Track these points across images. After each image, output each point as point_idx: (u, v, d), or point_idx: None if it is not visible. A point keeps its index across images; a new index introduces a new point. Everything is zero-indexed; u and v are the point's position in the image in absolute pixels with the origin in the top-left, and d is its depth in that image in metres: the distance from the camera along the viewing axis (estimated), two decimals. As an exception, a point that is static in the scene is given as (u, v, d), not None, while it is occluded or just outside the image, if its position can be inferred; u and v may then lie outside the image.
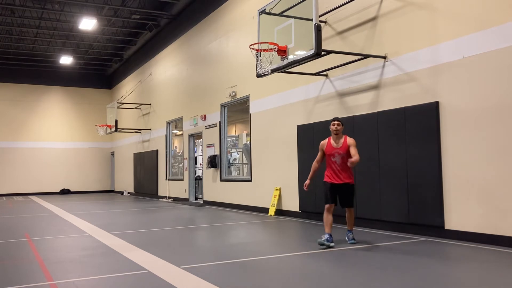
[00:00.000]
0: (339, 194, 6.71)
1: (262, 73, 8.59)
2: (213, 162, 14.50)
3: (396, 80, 8.07)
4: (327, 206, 6.66)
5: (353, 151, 6.57)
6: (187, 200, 16.95)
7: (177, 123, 18.74)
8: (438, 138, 7.22)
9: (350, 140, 6.68)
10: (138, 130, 22.30)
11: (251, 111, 12.70)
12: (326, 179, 6.78)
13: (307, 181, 6.84)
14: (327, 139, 6.83)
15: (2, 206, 17.11)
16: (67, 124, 26.68)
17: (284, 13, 8.58)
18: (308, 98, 10.28)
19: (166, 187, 19.08)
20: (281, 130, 11.21)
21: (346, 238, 6.88)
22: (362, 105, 8.76)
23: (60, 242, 7.94)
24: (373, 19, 8.54)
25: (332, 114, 9.40)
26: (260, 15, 9.14)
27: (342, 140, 6.68)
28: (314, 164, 6.95)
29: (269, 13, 8.84)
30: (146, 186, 21.35)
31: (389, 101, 8.17)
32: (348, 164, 6.46)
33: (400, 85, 7.98)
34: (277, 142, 11.40)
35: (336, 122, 6.71)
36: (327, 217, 6.60)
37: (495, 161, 6.44)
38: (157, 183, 20.14)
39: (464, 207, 6.85)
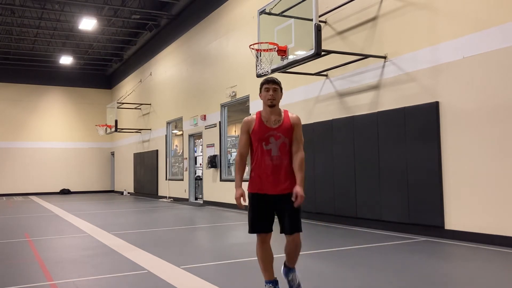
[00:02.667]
0: (277, 211, 3.84)
1: (262, 73, 8.59)
2: (213, 162, 14.50)
3: (396, 80, 8.07)
4: (258, 237, 3.85)
5: (296, 144, 3.87)
6: (187, 200, 16.94)
7: (177, 123, 18.73)
8: (438, 138, 7.22)
9: (294, 118, 3.92)
10: (138, 130, 22.29)
11: (251, 111, 12.69)
12: (251, 187, 3.90)
13: (239, 192, 3.80)
14: (254, 115, 3.96)
15: (2, 206, 17.10)
16: (67, 124, 26.67)
17: (284, 13, 8.58)
18: (308, 98, 10.28)
19: (166, 187, 19.07)
20: (281, 130, 11.18)
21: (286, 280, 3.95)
22: (362, 105, 8.76)
23: (60, 242, 7.94)
24: (373, 19, 8.54)
25: (332, 114, 9.41)
26: (260, 15, 9.14)
27: (281, 117, 3.89)
28: (238, 161, 3.90)
29: (269, 13, 8.84)
30: (146, 186, 21.34)
31: (389, 101, 8.17)
32: (295, 204, 3.70)
33: (400, 85, 7.98)
34: (277, 142, 11.36)
35: (271, 86, 3.86)
36: (263, 253, 3.84)
37: (495, 161, 6.44)
38: (157, 183, 20.14)
39: (464, 207, 6.85)
